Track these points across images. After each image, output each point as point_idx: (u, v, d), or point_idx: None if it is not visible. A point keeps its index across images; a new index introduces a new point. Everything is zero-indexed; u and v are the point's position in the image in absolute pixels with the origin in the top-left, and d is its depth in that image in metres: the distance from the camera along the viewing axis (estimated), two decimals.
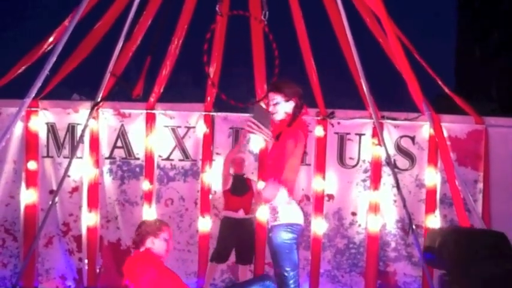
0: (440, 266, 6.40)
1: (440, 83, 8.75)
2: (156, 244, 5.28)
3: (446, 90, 8.91)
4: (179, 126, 9.46)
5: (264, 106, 6.79)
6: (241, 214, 8.88)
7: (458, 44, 30.12)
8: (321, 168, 9.46)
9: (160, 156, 9.47)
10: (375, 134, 9.35)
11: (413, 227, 8.58)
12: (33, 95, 7.98)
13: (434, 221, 9.28)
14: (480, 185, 9.34)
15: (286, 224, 5.25)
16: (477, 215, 8.62)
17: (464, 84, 25.15)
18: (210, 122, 9.44)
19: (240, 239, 8.87)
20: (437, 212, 9.32)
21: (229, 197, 9.00)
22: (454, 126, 9.38)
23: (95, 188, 9.29)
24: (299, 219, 5.34)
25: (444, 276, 6.45)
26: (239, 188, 8.96)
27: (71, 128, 9.33)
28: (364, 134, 9.53)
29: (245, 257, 8.94)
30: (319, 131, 9.47)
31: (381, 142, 8.99)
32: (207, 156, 9.35)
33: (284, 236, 5.21)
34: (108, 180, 9.41)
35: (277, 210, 5.28)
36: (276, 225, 5.28)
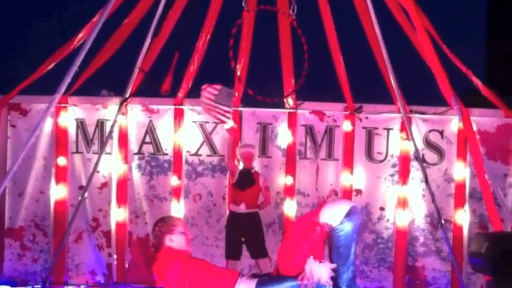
0: (488, 272, 6.27)
1: (470, 74, 8.62)
2: (174, 241, 5.19)
3: (476, 82, 8.76)
4: (207, 122, 9.45)
5: (231, 91, 8.07)
6: (242, 208, 8.68)
7: (488, 39, 29.86)
8: (348, 163, 9.45)
9: (188, 151, 9.50)
10: (403, 129, 9.31)
11: (442, 221, 8.55)
12: (63, 91, 8.03)
13: (463, 216, 9.22)
14: (510, 179, 9.28)
15: None
16: (507, 209, 8.59)
17: (494, 79, 24.92)
18: (238, 118, 9.45)
19: (246, 233, 8.70)
20: (466, 206, 9.25)
21: (233, 191, 8.92)
22: (483, 120, 9.29)
23: (123, 183, 9.36)
24: None
25: (492, 283, 6.32)
26: (242, 182, 8.78)
27: (100, 124, 9.40)
28: (392, 129, 9.48)
29: (257, 251, 8.76)
30: (347, 126, 9.45)
31: (409, 136, 8.92)
32: (235, 152, 9.34)
33: None
34: (136, 175, 9.47)
35: None
36: None
